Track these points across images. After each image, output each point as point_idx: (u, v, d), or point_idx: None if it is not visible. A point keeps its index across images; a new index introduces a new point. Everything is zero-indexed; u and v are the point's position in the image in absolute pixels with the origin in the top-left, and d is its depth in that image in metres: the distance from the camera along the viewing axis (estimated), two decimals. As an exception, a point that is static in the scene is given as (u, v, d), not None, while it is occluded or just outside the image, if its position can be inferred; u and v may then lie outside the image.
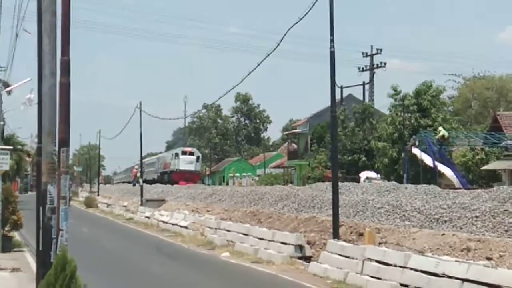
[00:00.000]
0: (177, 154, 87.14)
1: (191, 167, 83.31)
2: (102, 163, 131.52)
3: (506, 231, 21.87)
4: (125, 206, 66.73)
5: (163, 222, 47.57)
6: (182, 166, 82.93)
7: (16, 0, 32.19)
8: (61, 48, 12.66)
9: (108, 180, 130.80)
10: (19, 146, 48.46)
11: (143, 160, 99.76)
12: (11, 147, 33.76)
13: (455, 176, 46.52)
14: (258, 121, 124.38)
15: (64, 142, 12.54)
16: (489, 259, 19.77)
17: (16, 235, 30.89)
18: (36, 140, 14.25)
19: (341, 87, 59.33)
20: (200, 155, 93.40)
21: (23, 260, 24.02)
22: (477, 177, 50.10)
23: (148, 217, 52.43)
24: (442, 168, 48.31)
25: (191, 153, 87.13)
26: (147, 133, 77.11)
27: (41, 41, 12.96)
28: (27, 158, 45.80)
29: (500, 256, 19.81)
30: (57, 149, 12.50)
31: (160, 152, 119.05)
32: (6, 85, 36.51)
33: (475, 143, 57.24)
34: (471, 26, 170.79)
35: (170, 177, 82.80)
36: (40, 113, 13.16)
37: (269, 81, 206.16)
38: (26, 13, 32.48)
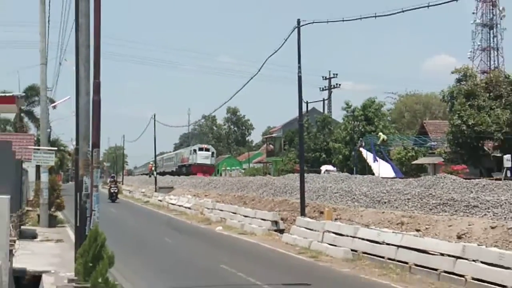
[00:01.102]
0: (195, 150, 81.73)
1: (207, 161, 78.75)
2: (125, 160, 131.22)
3: (431, 209, 22.18)
4: (143, 192, 66.79)
5: (172, 204, 47.83)
6: (200, 160, 77.96)
7: (59, 36, 32.36)
8: (93, 73, 12.94)
9: (130, 173, 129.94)
10: (62, 148, 48.34)
11: (162, 156, 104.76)
12: (55, 148, 33.69)
13: (390, 169, 46.76)
14: (244, 128, 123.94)
15: (96, 144, 12.94)
16: (417, 230, 20.21)
17: (59, 215, 30.79)
18: (74, 143, 14.26)
19: (307, 102, 59.28)
20: (214, 151, 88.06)
21: (65, 233, 24.04)
22: (408, 169, 50.24)
23: (160, 200, 52.67)
24: (382, 163, 48.55)
25: (207, 149, 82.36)
26: (159, 137, 79.11)
27: (78, 68, 13.08)
28: (68, 156, 45.73)
29: (426, 228, 20.23)
30: (90, 149, 12.76)
31: (170, 151, 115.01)
32: (52, 101, 36.30)
33: (407, 144, 57.54)
34: (406, 55, 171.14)
35: (189, 169, 78.24)
36: (78, 123, 13.25)
37: (252, 98, 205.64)
38: (67, 47, 32.67)
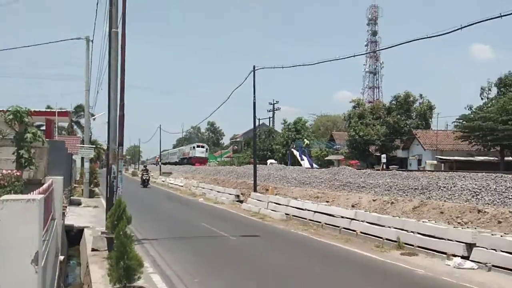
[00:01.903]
0: (194, 147, 77.05)
1: (203, 155, 74.07)
2: (140, 154, 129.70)
3: (336, 188, 22.31)
4: (152, 175, 66.18)
5: (171, 183, 47.32)
6: (197, 154, 73.32)
7: (98, 72, 32.07)
8: (119, 97, 12.73)
9: (143, 163, 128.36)
10: (98, 145, 47.51)
11: (168, 150, 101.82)
12: (94, 146, 33.16)
13: (307, 163, 47.15)
14: (218, 134, 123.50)
15: (120, 144, 12.87)
16: (327, 201, 20.20)
17: (96, 189, 30.34)
18: (107, 142, 14.09)
19: (259, 119, 59.16)
20: (207, 147, 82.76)
21: (99, 202, 23.64)
22: (322, 162, 50.61)
23: (163, 181, 52.02)
24: (305, 159, 48.93)
25: (202, 146, 77.81)
26: (162, 139, 78.41)
27: (110, 94, 12.90)
28: (102, 151, 45.05)
29: (332, 200, 20.32)
30: (117, 147, 12.53)
31: (170, 149, 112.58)
32: (92, 115, 35.89)
33: (321, 147, 58.18)
34: (322, 90, 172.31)
35: (190, 160, 73.12)
36: (109, 129, 13.07)
37: (223, 115, 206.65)
38: (102, 80, 32.28)
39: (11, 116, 11.77)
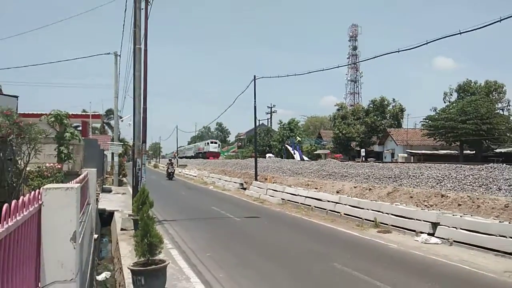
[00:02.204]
0: (208, 143, 73.77)
1: (216, 150, 70.43)
2: (161, 150, 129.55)
3: (323, 177, 22.30)
4: (172, 168, 66.43)
5: (186, 174, 47.24)
6: (211, 149, 69.88)
7: (124, 82, 32.05)
8: (143, 102, 12.70)
9: (163, 157, 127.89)
10: (126, 142, 47.47)
11: (185, 146, 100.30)
12: (122, 143, 33.21)
13: (299, 156, 46.95)
14: (225, 133, 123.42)
15: (144, 141, 12.95)
16: (316, 188, 20.15)
17: (124, 179, 30.39)
18: (132, 140, 14.09)
19: (259, 120, 59.32)
20: (220, 143, 78.94)
21: (127, 189, 23.63)
22: (311, 156, 50.63)
23: (180, 172, 51.90)
24: (297, 153, 48.83)
25: (215, 142, 74.46)
26: (179, 137, 77.70)
27: (135, 99, 12.91)
28: (129, 147, 45.05)
29: (321, 187, 20.28)
30: (141, 144, 12.52)
31: (185, 145, 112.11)
32: (120, 117, 35.92)
33: (311, 143, 58.05)
34: (313, 95, 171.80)
35: (204, 155, 70.04)
36: (134, 129, 13.08)
37: (229, 116, 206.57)
38: (128, 88, 32.28)
39: (52, 119, 11.79)
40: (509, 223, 9.71)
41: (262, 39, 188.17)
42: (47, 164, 10.76)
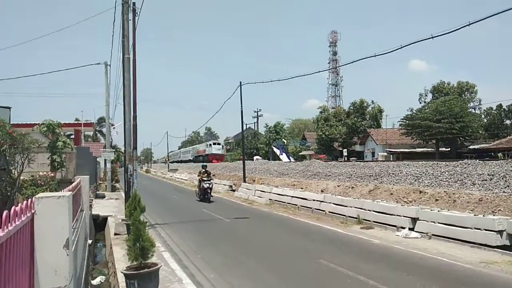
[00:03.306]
0: (210, 144, 64.63)
1: (220, 152, 62.63)
2: (152, 155, 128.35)
3: (308, 177, 22.38)
4: (162, 172, 65.30)
5: (177, 178, 46.80)
6: (214, 151, 61.83)
7: (115, 90, 31.75)
8: (133, 110, 12.59)
9: (155, 162, 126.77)
10: (118, 149, 46.97)
11: (181, 149, 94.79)
12: (114, 150, 32.87)
13: (286, 158, 46.98)
14: (214, 137, 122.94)
15: (134, 147, 12.81)
16: (302, 188, 20.17)
17: (117, 185, 30.09)
18: (124, 146, 13.96)
19: (246, 124, 59.02)
20: (223, 145, 69.22)
21: (120, 195, 23.31)
22: (297, 157, 50.72)
23: (171, 176, 51.49)
24: (284, 155, 48.93)
25: (219, 144, 65.94)
26: (170, 142, 76.96)
27: (125, 107, 12.78)
28: (121, 154, 44.60)
29: (306, 187, 20.37)
30: (132, 150, 12.40)
31: (176, 150, 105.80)
32: (112, 125, 35.53)
33: (296, 145, 58.18)
34: (296, 99, 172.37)
35: (206, 158, 61.36)
36: (125, 136, 12.94)
37: (218, 121, 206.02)
38: (119, 96, 32.02)
39: (45, 128, 11.63)
40: (483, 216, 9.85)
41: (250, 47, 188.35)
42: (41, 173, 10.60)
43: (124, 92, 13.06)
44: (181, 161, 78.26)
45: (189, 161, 72.35)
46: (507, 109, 52.52)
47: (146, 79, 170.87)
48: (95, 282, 8.83)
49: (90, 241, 10.42)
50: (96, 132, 56.49)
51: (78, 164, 14.69)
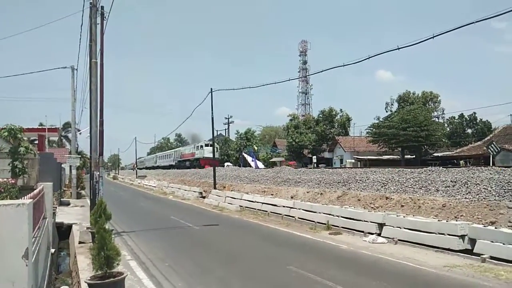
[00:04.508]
0: (201, 146, 52.42)
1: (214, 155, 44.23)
2: (120, 161, 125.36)
3: (278, 183, 22.42)
4: (130, 178, 63.74)
5: (146, 185, 45.89)
6: (207, 154, 48.87)
7: (81, 94, 30.83)
8: (99, 115, 12.29)
9: (123, 168, 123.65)
10: (84, 155, 45.48)
11: (156, 154, 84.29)
12: (80, 156, 31.84)
13: (253, 164, 46.79)
14: (184, 144, 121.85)
15: (101, 153, 12.58)
16: (272, 194, 20.19)
17: (82, 192, 29.22)
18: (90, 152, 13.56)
19: (217, 130, 58.20)
20: (218, 146, 54.97)
21: (85, 202, 22.59)
22: (268, 164, 50.76)
23: (139, 183, 50.45)
24: (254, 162, 48.85)
25: (211, 145, 47.77)
26: (138, 148, 75.13)
27: (91, 112, 12.46)
28: (87, 160, 43.25)
29: (276, 193, 20.41)
30: (98, 156, 12.07)
31: (143, 156, 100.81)
32: (78, 130, 34.51)
33: (266, 151, 58.34)
34: (267, 106, 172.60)
35: (195, 162, 51.48)
36: (91, 142, 12.59)
37: (188, 127, 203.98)
38: (85, 101, 31.25)
39: (6, 133, 11.13)
40: (447, 221, 10.15)
41: (222, 55, 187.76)
42: (0, 180, 10.13)
43: (90, 97, 12.73)
44: (158, 167, 69.42)
45: (171, 167, 62.07)
46: (468, 119, 54.70)
47: (115, 84, 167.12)
48: (57, 293, 8.48)
49: (53, 250, 10.03)
50: (62, 137, 54.71)
51: (42, 170, 14.15)
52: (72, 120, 27.77)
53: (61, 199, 22.66)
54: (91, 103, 12.56)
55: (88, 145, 13.15)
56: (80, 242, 10.95)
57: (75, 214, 17.26)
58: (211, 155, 43.23)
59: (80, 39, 18.05)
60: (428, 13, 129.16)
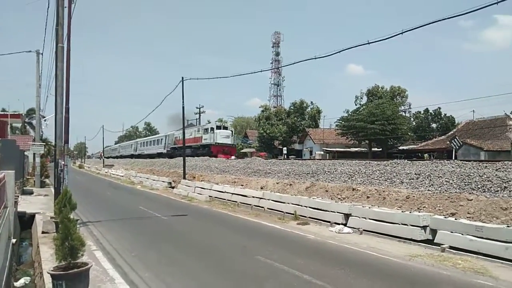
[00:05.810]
0: (211, 129, 37.80)
1: (229, 141, 37.31)
2: (86, 150, 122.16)
3: (249, 174, 22.43)
4: (96, 167, 62.18)
5: (113, 174, 45.01)
6: (221, 140, 36.41)
7: (47, 80, 29.79)
8: (65, 102, 11.96)
9: (89, 157, 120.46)
10: (49, 143, 44.08)
11: (136, 141, 68.42)
12: (44, 143, 30.82)
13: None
14: (154, 133, 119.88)
15: (66, 141, 12.31)
16: (242, 185, 20.24)
17: (47, 180, 28.36)
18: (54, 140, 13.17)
19: (187, 120, 56.01)
20: (232, 130, 41.16)
21: (49, 191, 21.93)
22: (239, 154, 50.71)
23: (106, 172, 49.42)
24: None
25: (225, 128, 39.57)
26: (106, 137, 73.22)
27: (56, 99, 12.04)
28: (52, 148, 41.93)
29: (246, 184, 20.46)
30: (63, 144, 11.72)
31: (111, 145, 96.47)
32: (43, 117, 33.33)
33: (237, 142, 58.22)
34: (239, 97, 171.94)
35: (206, 150, 36.97)
36: (56, 129, 12.20)
37: (158, 116, 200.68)
38: (50, 87, 30.18)
39: (-36, 119, 10.63)
40: (410, 212, 10.48)
41: (194, 43, 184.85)
42: (-42, 167, 9.68)
43: (56, 82, 12.28)
44: (140, 156, 58.26)
45: (160, 155, 50.42)
46: (433, 114, 56.46)
47: (82, 71, 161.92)
48: (18, 284, 8.22)
49: (14, 240, 9.71)
50: (25, 124, 52.72)
51: (3, 157, 13.62)
52: (36, 106, 26.75)
53: (24, 187, 21.91)
54: (56, 89, 12.11)
55: (53, 132, 12.71)
56: (43, 232, 10.63)
57: (39, 203, 16.72)
58: (227, 141, 37.43)
59: (46, 22, 17.40)
60: (407, 10, 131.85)
